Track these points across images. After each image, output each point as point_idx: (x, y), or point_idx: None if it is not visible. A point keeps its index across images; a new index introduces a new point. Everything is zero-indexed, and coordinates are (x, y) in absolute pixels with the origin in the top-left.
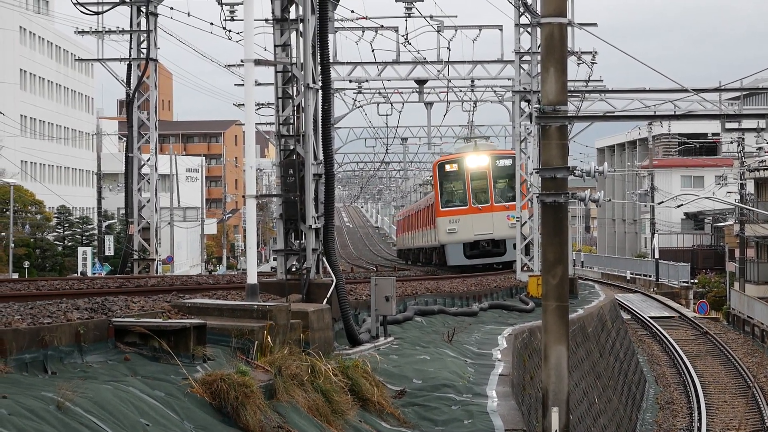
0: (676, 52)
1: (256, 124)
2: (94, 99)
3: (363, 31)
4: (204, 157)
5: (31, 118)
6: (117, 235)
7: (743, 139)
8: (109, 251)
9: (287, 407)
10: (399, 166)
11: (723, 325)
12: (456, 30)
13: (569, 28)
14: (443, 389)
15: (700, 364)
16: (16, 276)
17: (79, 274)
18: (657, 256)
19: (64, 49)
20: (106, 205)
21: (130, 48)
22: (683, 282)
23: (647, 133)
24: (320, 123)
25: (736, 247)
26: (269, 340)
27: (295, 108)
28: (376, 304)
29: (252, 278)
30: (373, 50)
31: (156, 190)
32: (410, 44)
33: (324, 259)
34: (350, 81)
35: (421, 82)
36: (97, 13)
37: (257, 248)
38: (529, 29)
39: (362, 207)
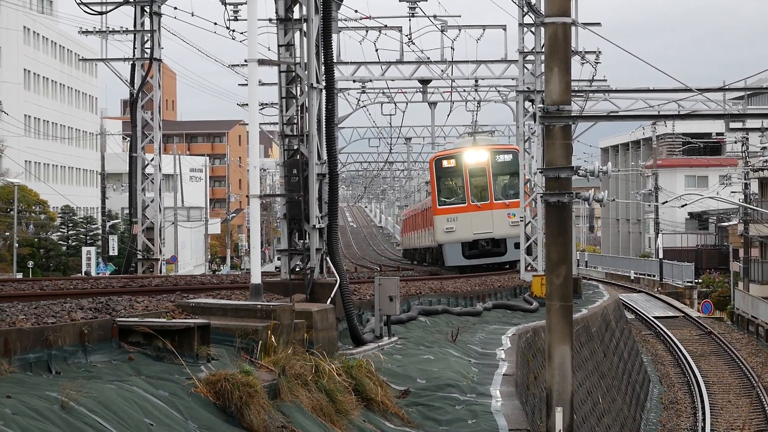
0: (680, 52)
1: (260, 124)
2: (98, 99)
3: (367, 31)
4: (208, 157)
5: (35, 117)
6: (121, 235)
7: (747, 139)
8: (113, 251)
9: (291, 407)
10: (403, 165)
11: (727, 325)
12: (460, 30)
13: (573, 28)
14: (447, 389)
15: (704, 364)
16: (20, 276)
17: (83, 274)
18: (661, 255)
19: (68, 49)
20: (110, 205)
21: (134, 48)
22: (687, 282)
23: (651, 132)
24: (324, 123)
25: (741, 246)
26: (273, 339)
27: (299, 108)
28: (380, 304)
29: (256, 278)
30: (376, 50)
31: (160, 189)
32: (414, 44)
33: (328, 258)
34: (354, 81)
35: (424, 82)
36: (101, 13)
37: (261, 248)
38: (532, 29)
39: (366, 207)
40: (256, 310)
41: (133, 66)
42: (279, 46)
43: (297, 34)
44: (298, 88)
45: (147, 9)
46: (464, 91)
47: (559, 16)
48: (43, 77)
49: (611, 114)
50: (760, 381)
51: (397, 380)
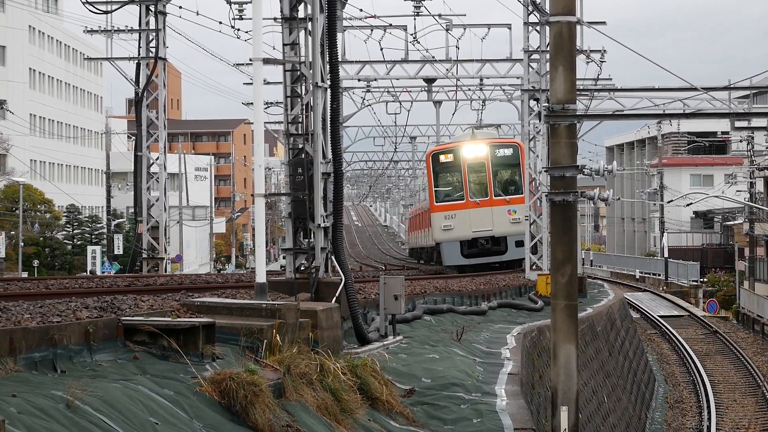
0: (686, 50)
1: (265, 122)
2: (103, 98)
3: (372, 30)
4: (213, 156)
5: (40, 117)
6: (126, 234)
7: (753, 138)
8: (118, 250)
9: (296, 406)
10: (408, 164)
11: (732, 324)
12: (465, 29)
13: (578, 27)
14: (452, 388)
15: (709, 363)
16: (25, 275)
17: (88, 273)
18: (666, 254)
19: (73, 48)
20: (115, 204)
21: (139, 47)
22: (693, 281)
23: (656, 131)
24: (329, 122)
25: (746, 245)
26: (278, 338)
27: (304, 107)
28: (385, 303)
29: (261, 277)
30: (381, 49)
31: (165, 188)
32: (419, 43)
33: (333, 257)
34: (359, 80)
35: (429, 81)
36: (106, 12)
37: (266, 247)
38: (537, 28)
39: (371, 206)
40: (261, 309)
41: (138, 65)
42: (284, 45)
43: (302, 33)
44: (303, 87)
45: (152, 8)
46: (469, 90)
47: (564, 15)
48: (49, 76)
49: (616, 113)
50: (765, 380)
51: (402, 379)
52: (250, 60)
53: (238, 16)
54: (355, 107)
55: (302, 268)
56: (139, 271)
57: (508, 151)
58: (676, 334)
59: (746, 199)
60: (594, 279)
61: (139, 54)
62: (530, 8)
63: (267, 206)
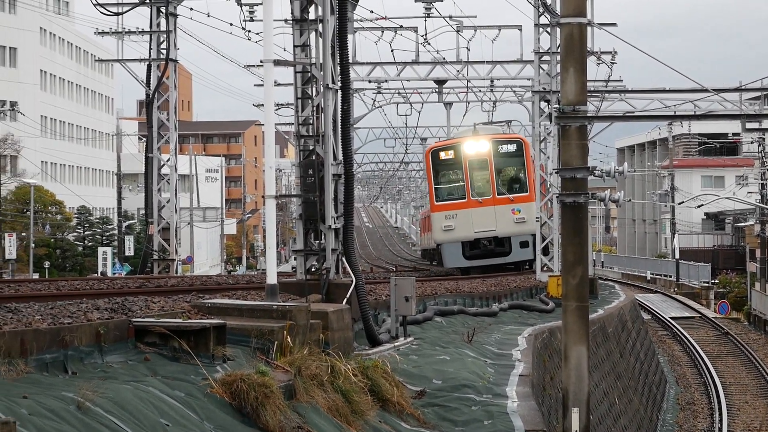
0: (697, 52)
1: (276, 124)
2: (114, 99)
3: (382, 32)
4: (223, 158)
5: (51, 118)
6: (137, 236)
7: (764, 139)
8: (129, 251)
9: (307, 408)
10: (419, 166)
11: (744, 326)
12: (475, 30)
13: (589, 28)
14: (463, 390)
15: (721, 365)
16: (36, 276)
17: (99, 275)
18: (677, 256)
19: (84, 50)
20: (126, 206)
21: (150, 49)
22: (704, 282)
23: (667, 133)
24: (340, 123)
25: (757, 247)
26: (289, 340)
27: (315, 108)
28: (395, 305)
29: (272, 278)
30: (392, 50)
31: (176, 190)
32: (429, 44)
33: (344, 259)
34: (370, 81)
35: (440, 83)
36: (117, 14)
37: (277, 248)
38: (548, 29)
39: (382, 207)
40: (271, 311)
41: (149, 67)
42: (295, 46)
43: (313, 35)
44: (314, 89)
45: (163, 10)
46: (480, 91)
47: (575, 16)
48: (60, 78)
49: (627, 114)
50: None
51: (413, 381)
52: (261, 61)
53: (248, 18)
54: (366, 109)
55: (313, 270)
56: (150, 272)
57: (512, 147)
58: (688, 336)
59: (757, 201)
60: (605, 280)
61: (150, 56)
62: (541, 10)
63: (278, 208)
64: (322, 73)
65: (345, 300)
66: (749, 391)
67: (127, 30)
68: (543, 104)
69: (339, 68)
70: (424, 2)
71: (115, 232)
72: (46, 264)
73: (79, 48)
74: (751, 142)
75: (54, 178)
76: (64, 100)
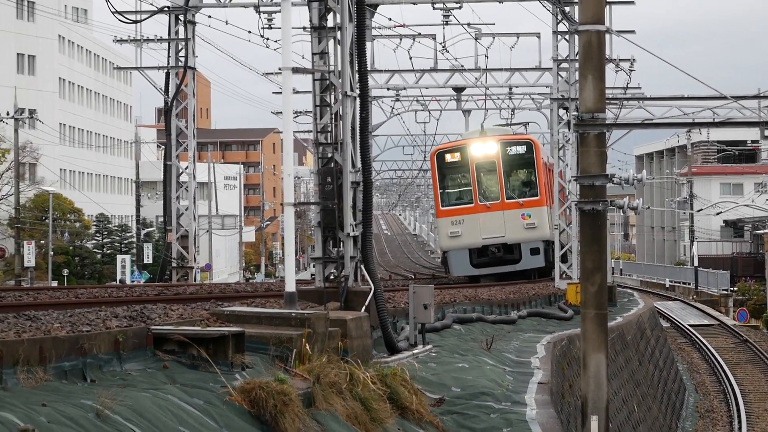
0: (716, 59)
1: (294, 131)
2: (132, 107)
3: (400, 39)
4: (242, 165)
5: (70, 126)
6: (155, 243)
7: None
8: (148, 259)
9: (326, 415)
10: None
11: (763, 333)
12: (494, 37)
13: (607, 36)
14: (482, 397)
15: (739, 372)
16: (55, 284)
17: (117, 282)
18: (696, 263)
19: (102, 58)
20: (145, 213)
21: (168, 56)
22: (723, 290)
23: (686, 140)
24: (358, 131)
25: None
26: (308, 348)
27: (333, 116)
28: (414, 312)
29: (290, 286)
30: (410, 58)
31: (194, 198)
32: (448, 52)
33: (362, 266)
34: (388, 89)
35: (458, 90)
36: (136, 22)
37: (295, 256)
38: (566, 37)
39: (400, 215)
40: (290, 318)
41: (167, 74)
42: (313, 54)
43: (331, 43)
44: (333, 96)
45: (181, 17)
46: (498, 98)
47: (594, 23)
48: (78, 86)
49: (645, 122)
50: None
51: (431, 388)
52: (280, 69)
53: (267, 26)
54: (384, 116)
55: (332, 277)
56: (168, 280)
57: (522, 149)
58: (706, 343)
59: None
60: (624, 288)
61: (168, 63)
62: (559, 17)
63: (296, 215)
64: (340, 80)
65: (364, 308)
66: None
67: (145, 38)
68: (561, 111)
69: (357, 76)
70: (442, 10)
71: (134, 239)
72: (65, 272)
73: (98, 56)
74: None
75: (73, 185)
76: (82, 107)
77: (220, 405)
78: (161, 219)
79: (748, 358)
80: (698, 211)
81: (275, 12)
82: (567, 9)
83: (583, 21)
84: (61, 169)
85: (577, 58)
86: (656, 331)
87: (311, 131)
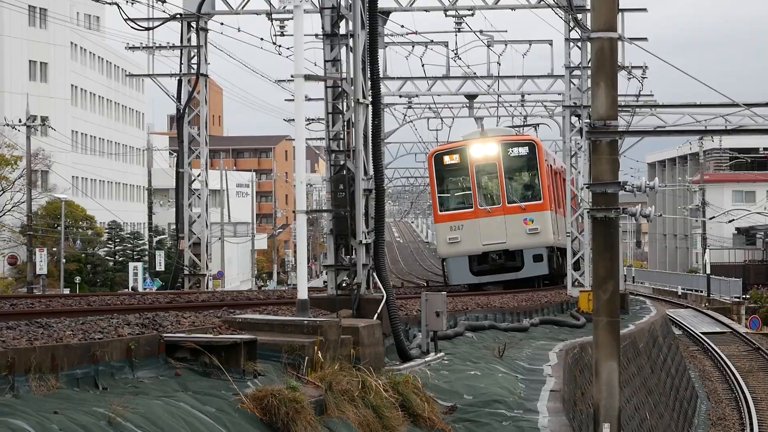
0: (730, 66)
1: (307, 139)
2: (144, 114)
3: (413, 46)
4: (254, 172)
5: (82, 133)
6: (168, 251)
7: None
8: (160, 266)
9: (338, 423)
10: None
11: None
12: (506, 45)
13: (619, 43)
14: (494, 405)
15: (752, 380)
16: (67, 291)
17: (129, 290)
18: (708, 271)
19: (114, 65)
20: (157, 221)
21: (181, 63)
22: (735, 297)
23: (698, 147)
24: (370, 138)
25: None
26: (320, 355)
27: (345, 123)
28: (426, 320)
29: (302, 293)
30: (423, 65)
31: (206, 205)
32: (460, 59)
33: (374, 274)
34: (400, 96)
35: (471, 97)
36: (148, 29)
37: (308, 263)
38: (579, 44)
39: (413, 222)
40: (302, 326)
41: (179, 81)
42: (325, 61)
43: (343, 50)
44: (345, 104)
45: (194, 25)
46: (510, 106)
47: (606, 31)
48: (90, 93)
49: (658, 129)
50: None
51: (443, 396)
52: (292, 76)
53: (279, 33)
54: (397, 123)
55: (344, 285)
56: (180, 287)
57: (524, 150)
58: (719, 351)
59: None
60: (636, 295)
61: (180, 70)
62: (572, 24)
63: (308, 223)
64: (352, 87)
65: (376, 315)
66: None
67: (157, 45)
68: (574, 119)
69: (370, 83)
70: (454, 17)
71: (146, 247)
72: (77, 279)
73: (110, 63)
74: None
75: (85, 193)
76: (94, 114)
77: (232, 412)
78: (173, 226)
79: (760, 365)
80: (710, 218)
81: (287, 19)
82: (579, 16)
83: (595, 28)
84: (73, 177)
85: (590, 65)
86: (668, 339)
87: (323, 138)
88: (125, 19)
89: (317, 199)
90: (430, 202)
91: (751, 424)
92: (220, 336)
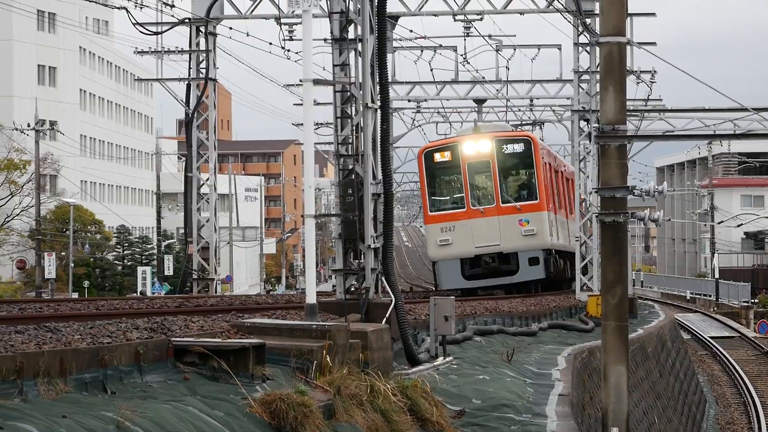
0: (739, 70)
1: (315, 143)
2: (153, 119)
3: (422, 51)
4: (263, 177)
5: (90, 137)
6: (176, 255)
7: None
8: (169, 271)
9: (346, 427)
10: None
11: None
12: (515, 49)
13: (628, 47)
14: (502, 409)
15: (760, 385)
16: (75, 295)
17: (138, 294)
18: (717, 275)
19: (123, 69)
20: (166, 225)
21: (189, 68)
22: (744, 302)
23: (707, 152)
24: (379, 142)
25: None
26: (328, 359)
27: (354, 127)
28: (435, 324)
29: (311, 298)
30: (431, 69)
31: (215, 209)
32: (469, 63)
33: (383, 278)
34: (409, 100)
35: (479, 102)
36: (157, 33)
37: (316, 268)
38: (587, 48)
39: (421, 227)
40: (311, 330)
41: (188, 86)
42: (334, 66)
43: (352, 54)
44: (353, 108)
45: (202, 29)
46: (519, 110)
47: (615, 35)
48: (99, 97)
49: (666, 133)
50: None
51: (452, 400)
52: (300, 81)
53: (288, 37)
54: (405, 128)
55: (352, 289)
56: (189, 291)
57: (519, 147)
58: (727, 355)
59: None
60: (644, 300)
61: (189, 75)
62: (580, 29)
63: (317, 227)
64: (361, 92)
65: (384, 320)
66: None
67: (166, 49)
68: (582, 123)
69: (378, 87)
70: (463, 21)
71: (155, 251)
72: (86, 283)
73: (119, 67)
74: None
75: (93, 197)
76: (103, 119)
77: (240, 417)
78: (182, 231)
79: None
80: (719, 223)
81: (296, 24)
82: (588, 21)
83: (604, 33)
84: (81, 181)
85: (598, 69)
86: (677, 343)
87: (332, 143)
88: (134, 24)
89: (326, 204)
90: None
91: (759, 428)
92: (229, 340)
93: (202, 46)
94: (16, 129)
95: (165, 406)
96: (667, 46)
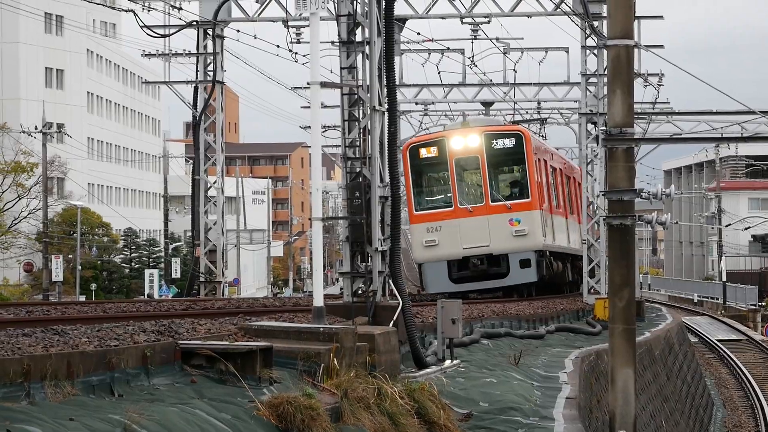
0: (747, 73)
1: (323, 146)
2: (160, 121)
3: (429, 54)
4: (270, 180)
5: (98, 140)
6: (183, 258)
7: None
8: (176, 274)
9: (354, 430)
10: None
11: None
12: (522, 52)
13: (636, 50)
14: (510, 412)
15: None
16: (83, 298)
17: (145, 297)
18: (724, 278)
19: (131, 72)
20: (173, 228)
21: (197, 70)
22: (751, 305)
23: (714, 155)
24: (386, 145)
25: None
26: (335, 362)
27: (362, 130)
28: (442, 327)
29: (318, 301)
30: (439, 72)
31: (222, 212)
32: (476, 66)
33: (390, 281)
34: (416, 103)
35: (487, 105)
36: (164, 36)
37: (323, 270)
38: (595, 51)
39: None
40: (318, 333)
41: (195, 89)
42: (341, 68)
43: (359, 57)
44: (361, 111)
45: (210, 32)
46: (527, 113)
47: (622, 38)
48: (107, 100)
49: (674, 136)
50: None
51: (459, 403)
52: (308, 83)
53: (295, 40)
54: (413, 131)
55: (360, 292)
56: (196, 294)
57: (509, 142)
58: (734, 358)
59: None
60: (652, 303)
61: (196, 77)
62: (588, 32)
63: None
64: (369, 95)
65: (392, 322)
66: None
67: (174, 52)
68: (590, 126)
69: (386, 90)
70: (471, 24)
71: (162, 254)
72: (93, 286)
73: (126, 70)
74: None
75: (101, 200)
76: (111, 122)
77: (247, 419)
78: (189, 233)
79: None
80: (726, 226)
81: (304, 26)
82: (596, 24)
83: (611, 36)
84: (89, 184)
85: (606, 72)
86: (684, 346)
87: (340, 146)
88: (141, 27)
89: (333, 207)
90: None
91: (767, 431)
92: (236, 343)
93: (210, 49)
94: (24, 132)
95: (172, 408)
96: (674, 48)
